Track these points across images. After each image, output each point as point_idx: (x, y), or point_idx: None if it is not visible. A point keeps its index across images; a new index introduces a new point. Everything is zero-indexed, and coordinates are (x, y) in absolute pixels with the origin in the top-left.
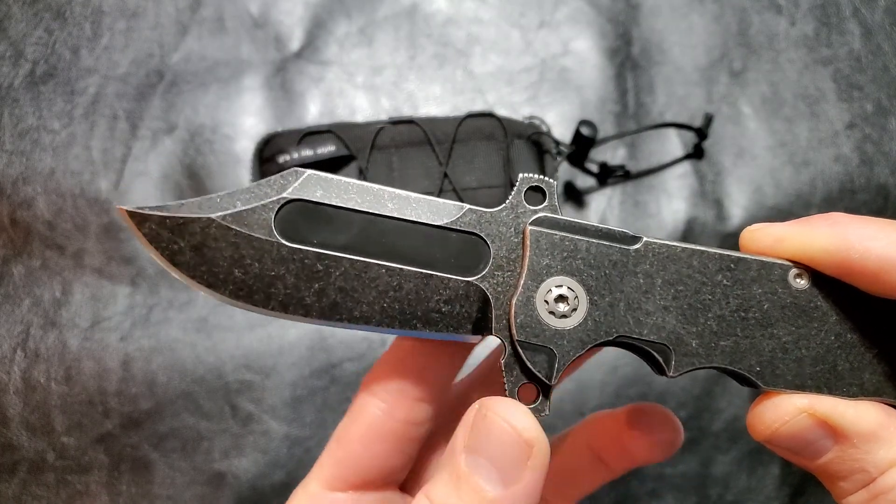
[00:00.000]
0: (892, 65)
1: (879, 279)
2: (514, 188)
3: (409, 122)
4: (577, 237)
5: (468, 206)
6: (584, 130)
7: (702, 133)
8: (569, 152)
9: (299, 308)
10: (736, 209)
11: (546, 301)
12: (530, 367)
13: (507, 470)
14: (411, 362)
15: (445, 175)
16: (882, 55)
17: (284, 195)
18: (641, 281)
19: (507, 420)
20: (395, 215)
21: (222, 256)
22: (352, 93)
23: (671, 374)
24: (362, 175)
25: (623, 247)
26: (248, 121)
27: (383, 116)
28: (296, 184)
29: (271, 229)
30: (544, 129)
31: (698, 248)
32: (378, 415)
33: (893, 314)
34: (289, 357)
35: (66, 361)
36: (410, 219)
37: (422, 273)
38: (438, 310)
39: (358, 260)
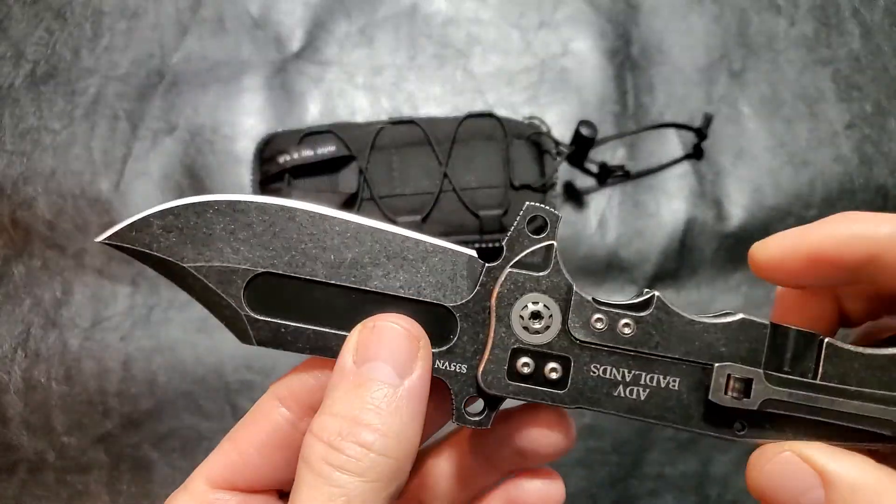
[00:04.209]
0: (891, 65)
1: None
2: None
3: (409, 122)
4: None
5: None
6: (584, 130)
7: (701, 133)
8: (568, 152)
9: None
10: (735, 209)
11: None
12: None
13: (403, 364)
14: (326, 379)
15: (445, 175)
16: (882, 55)
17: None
18: None
19: (397, 322)
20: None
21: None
22: (352, 93)
23: None
24: (362, 175)
25: None
26: (249, 121)
27: (383, 116)
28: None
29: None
30: (544, 129)
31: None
32: (281, 423)
33: None
34: (289, 357)
35: (66, 361)
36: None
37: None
38: None
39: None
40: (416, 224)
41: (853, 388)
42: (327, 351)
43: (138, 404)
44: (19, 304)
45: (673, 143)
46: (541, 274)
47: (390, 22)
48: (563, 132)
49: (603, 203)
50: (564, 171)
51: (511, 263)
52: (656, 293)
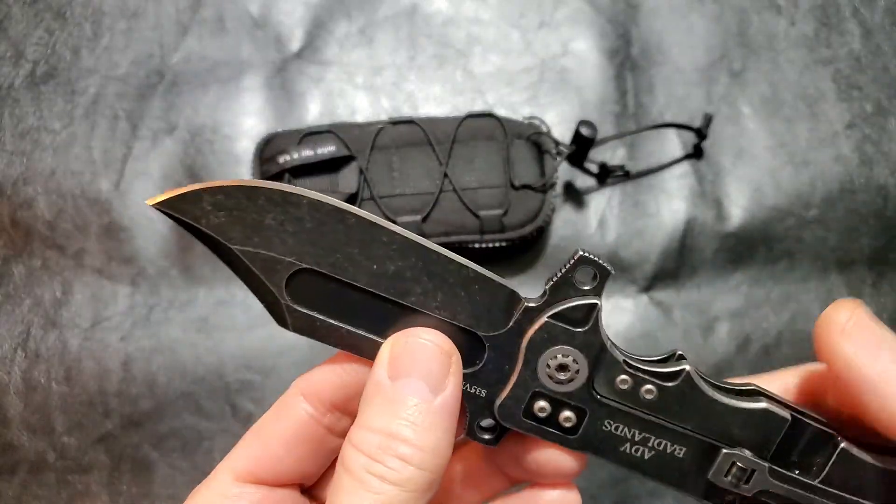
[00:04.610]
0: (891, 65)
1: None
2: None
3: (409, 122)
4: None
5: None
6: (584, 130)
7: (701, 133)
8: (568, 152)
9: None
10: (735, 209)
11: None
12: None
13: (436, 381)
14: (352, 378)
15: (445, 175)
16: (882, 55)
17: None
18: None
19: (430, 339)
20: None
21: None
22: (352, 93)
23: None
24: (362, 175)
25: None
26: (249, 121)
27: (383, 116)
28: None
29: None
30: (544, 129)
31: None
32: (305, 417)
33: None
34: (289, 357)
35: (66, 362)
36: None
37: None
38: None
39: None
40: (416, 224)
41: (852, 497)
42: (357, 350)
43: (138, 404)
44: (19, 304)
45: (673, 143)
46: (577, 329)
47: (390, 22)
48: (563, 132)
49: (603, 203)
50: (564, 171)
51: (550, 314)
52: (687, 367)
